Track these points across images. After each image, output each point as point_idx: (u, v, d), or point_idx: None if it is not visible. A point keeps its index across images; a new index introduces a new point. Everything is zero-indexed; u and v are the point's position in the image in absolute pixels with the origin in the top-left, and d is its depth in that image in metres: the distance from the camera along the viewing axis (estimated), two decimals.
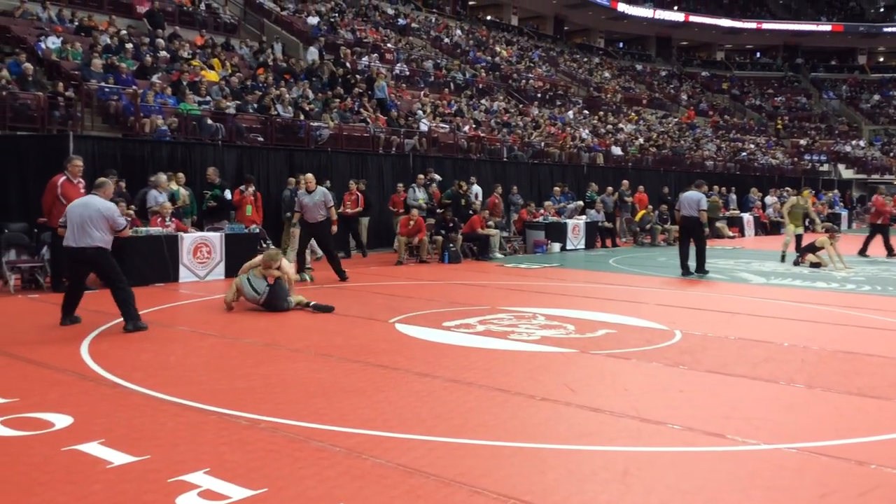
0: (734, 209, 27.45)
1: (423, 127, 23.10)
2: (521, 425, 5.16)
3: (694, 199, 13.87)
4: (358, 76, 24.65)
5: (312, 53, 24.91)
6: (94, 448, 4.52)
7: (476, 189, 19.14)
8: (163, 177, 13.32)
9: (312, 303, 9.69)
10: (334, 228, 12.84)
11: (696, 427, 5.14)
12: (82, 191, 9.88)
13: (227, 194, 14.17)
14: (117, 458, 4.38)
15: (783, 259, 16.61)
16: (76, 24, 20.25)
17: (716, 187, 27.39)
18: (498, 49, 40.45)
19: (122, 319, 8.13)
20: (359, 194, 16.73)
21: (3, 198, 13.47)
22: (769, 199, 28.56)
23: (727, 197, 27.83)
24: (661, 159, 32.29)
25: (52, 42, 18.10)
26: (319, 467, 4.29)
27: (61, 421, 5.02)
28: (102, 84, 16.59)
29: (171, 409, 5.37)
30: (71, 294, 8.45)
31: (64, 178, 10.31)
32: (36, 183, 13.37)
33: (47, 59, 17.44)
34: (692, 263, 14.05)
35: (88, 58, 17.46)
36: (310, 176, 12.77)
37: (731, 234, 24.74)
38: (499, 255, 16.77)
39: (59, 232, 8.73)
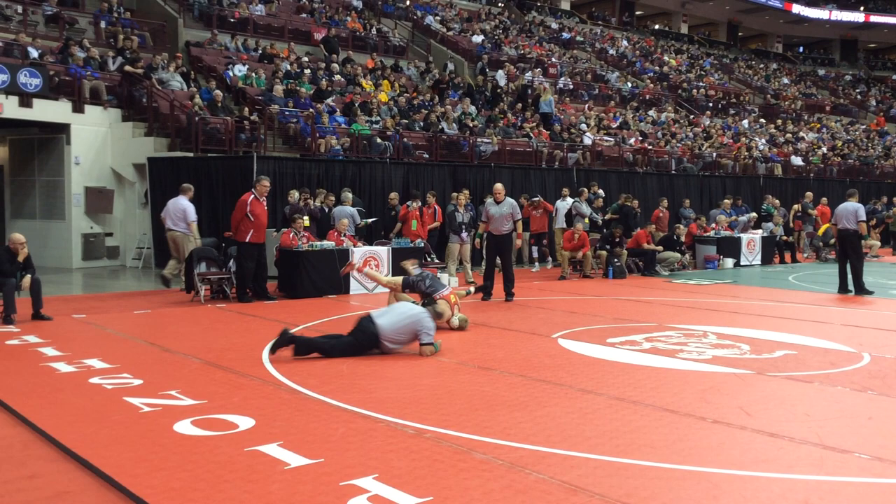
0: None
1: (587, 140, 22.85)
2: (691, 448, 4.96)
3: (851, 210, 13.11)
4: (525, 88, 24.82)
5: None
6: (273, 449, 4.79)
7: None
8: (349, 194, 14.02)
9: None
10: (518, 242, 12.82)
11: (887, 457, 4.73)
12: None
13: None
14: (294, 459, 4.62)
15: None
16: (260, 52, 21.75)
17: None
18: (666, 58, 39.38)
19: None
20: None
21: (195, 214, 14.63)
22: None
23: None
24: (847, 169, 30.10)
25: (239, 70, 19.54)
26: (483, 479, 4.32)
27: (244, 423, 5.36)
28: (283, 108, 17.70)
29: (342, 415, 5.61)
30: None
31: (252, 196, 11.21)
32: (224, 201, 14.45)
33: (234, 85, 18.84)
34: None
35: (271, 83, 18.73)
36: (499, 186, 12.21)
37: None
38: (664, 272, 16.23)
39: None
